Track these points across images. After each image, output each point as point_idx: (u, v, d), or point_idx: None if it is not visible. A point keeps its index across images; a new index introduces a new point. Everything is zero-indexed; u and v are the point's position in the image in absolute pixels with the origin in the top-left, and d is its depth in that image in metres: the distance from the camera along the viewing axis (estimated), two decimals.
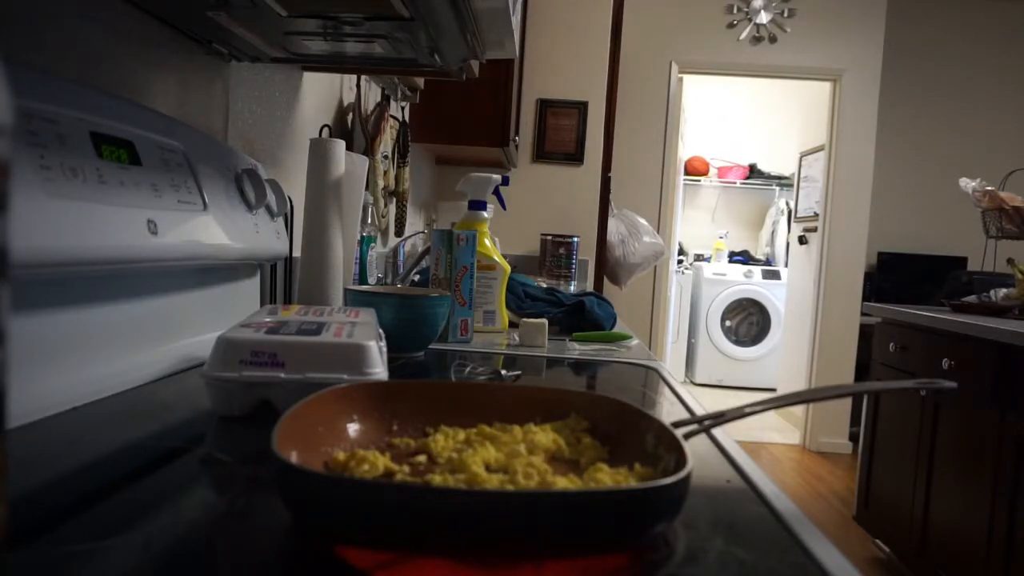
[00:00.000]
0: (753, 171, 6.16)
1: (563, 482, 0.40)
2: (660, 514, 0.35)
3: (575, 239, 2.42)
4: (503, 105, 2.33)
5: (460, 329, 1.14)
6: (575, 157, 3.04)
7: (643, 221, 3.12)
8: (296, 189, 1.25)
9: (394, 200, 1.99)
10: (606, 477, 0.41)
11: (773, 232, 6.00)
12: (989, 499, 1.96)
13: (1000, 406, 1.96)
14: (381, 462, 0.43)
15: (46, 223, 0.54)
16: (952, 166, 4.51)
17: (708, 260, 5.95)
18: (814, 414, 4.25)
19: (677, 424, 0.46)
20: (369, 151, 1.65)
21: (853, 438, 4.18)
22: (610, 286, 3.13)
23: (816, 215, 4.37)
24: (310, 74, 1.37)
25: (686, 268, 5.79)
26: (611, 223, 3.04)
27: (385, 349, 0.69)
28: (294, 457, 0.38)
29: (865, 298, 4.21)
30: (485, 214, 1.32)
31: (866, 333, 3.84)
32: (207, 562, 0.35)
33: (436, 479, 0.41)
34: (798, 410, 4.47)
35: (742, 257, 6.01)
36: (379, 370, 0.62)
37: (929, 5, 4.52)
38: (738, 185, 6.17)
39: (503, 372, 0.89)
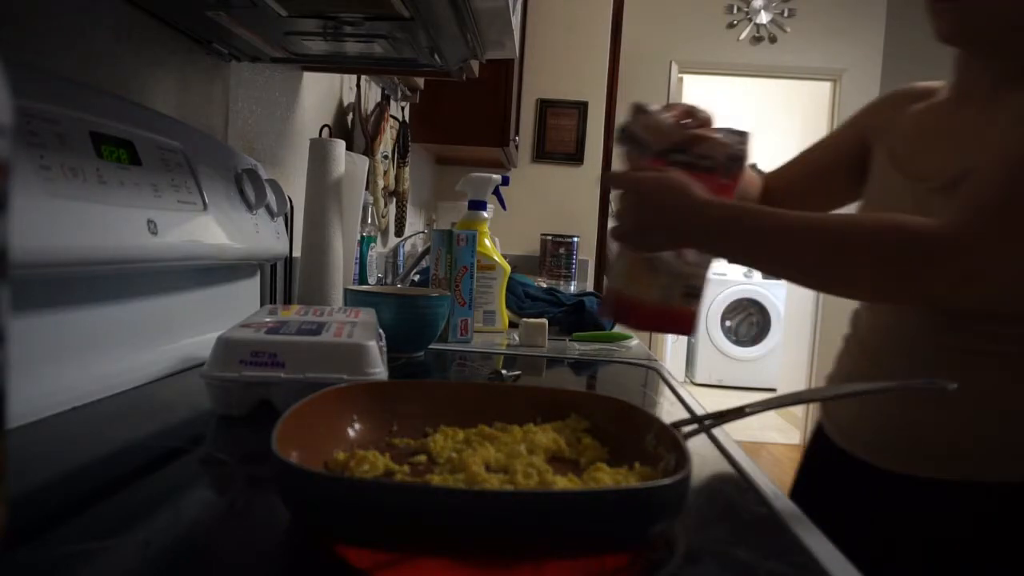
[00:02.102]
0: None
1: (563, 482, 0.40)
2: (660, 514, 0.35)
3: (575, 239, 2.42)
4: (503, 105, 2.33)
5: (460, 329, 1.14)
6: (575, 157, 3.04)
7: None
8: (296, 189, 1.25)
9: (394, 200, 1.99)
10: (606, 477, 0.41)
11: None
12: None
13: None
14: (381, 462, 0.43)
15: (46, 223, 0.54)
16: None
17: None
18: (814, 414, 4.25)
19: (677, 424, 0.46)
20: (369, 151, 1.65)
21: None
22: None
23: None
24: (310, 74, 1.37)
25: None
26: (611, 223, 3.04)
27: (385, 349, 0.69)
28: (294, 457, 0.38)
29: None
30: (485, 214, 1.32)
31: None
32: (207, 562, 0.35)
33: (436, 479, 0.41)
34: (798, 410, 4.47)
35: None
36: (379, 370, 0.62)
37: None
38: None
39: (503, 372, 0.89)
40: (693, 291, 0.82)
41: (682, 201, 0.70)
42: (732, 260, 0.74)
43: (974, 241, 0.61)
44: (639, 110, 0.81)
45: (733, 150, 0.80)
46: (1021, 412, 0.69)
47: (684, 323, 0.82)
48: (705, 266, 0.82)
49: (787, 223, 0.67)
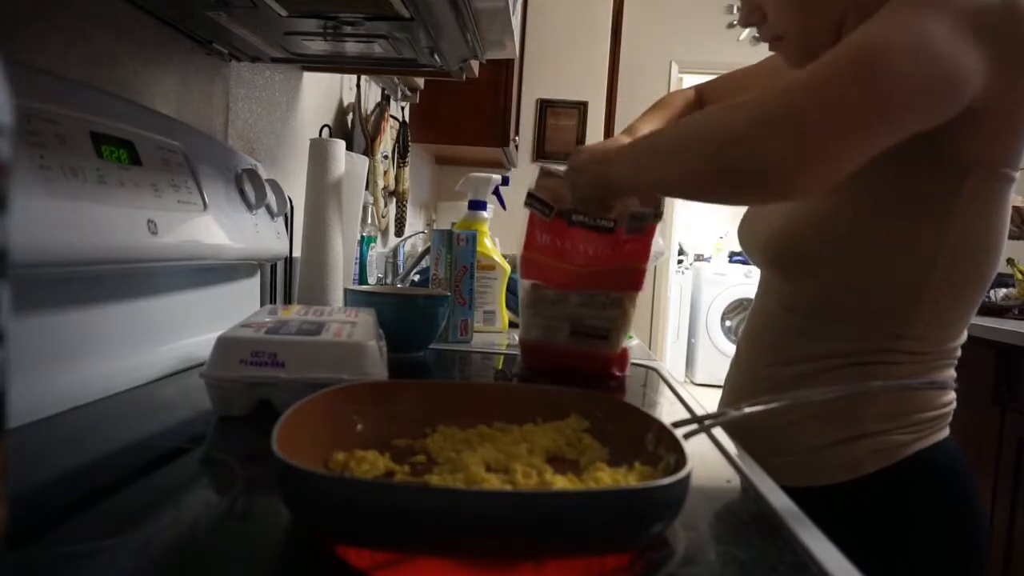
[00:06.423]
0: None
1: (563, 482, 0.40)
2: (660, 514, 0.35)
3: None
4: (503, 105, 2.33)
5: (460, 329, 1.13)
6: None
7: None
8: (296, 189, 1.25)
9: (394, 200, 1.99)
10: (606, 477, 0.41)
11: None
12: (989, 499, 1.96)
13: (1000, 406, 1.96)
14: (381, 462, 0.43)
15: (46, 223, 0.54)
16: None
17: (708, 260, 5.95)
18: None
19: (677, 424, 0.46)
20: (369, 151, 1.65)
21: None
22: None
23: None
24: (310, 74, 1.37)
25: (686, 268, 5.78)
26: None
27: (385, 349, 0.69)
28: (294, 457, 0.38)
29: None
30: (485, 214, 1.32)
31: None
32: (207, 562, 0.35)
33: (436, 479, 0.41)
34: None
35: (742, 257, 6.01)
36: (379, 370, 0.62)
37: None
38: None
39: (503, 372, 0.89)
40: (583, 331, 0.85)
41: (595, 158, 0.80)
42: (635, 186, 0.78)
43: (810, 97, 0.57)
44: (544, 174, 0.84)
45: (635, 210, 0.81)
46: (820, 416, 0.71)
47: (582, 361, 0.85)
48: (596, 307, 0.85)
49: (668, 132, 0.72)
